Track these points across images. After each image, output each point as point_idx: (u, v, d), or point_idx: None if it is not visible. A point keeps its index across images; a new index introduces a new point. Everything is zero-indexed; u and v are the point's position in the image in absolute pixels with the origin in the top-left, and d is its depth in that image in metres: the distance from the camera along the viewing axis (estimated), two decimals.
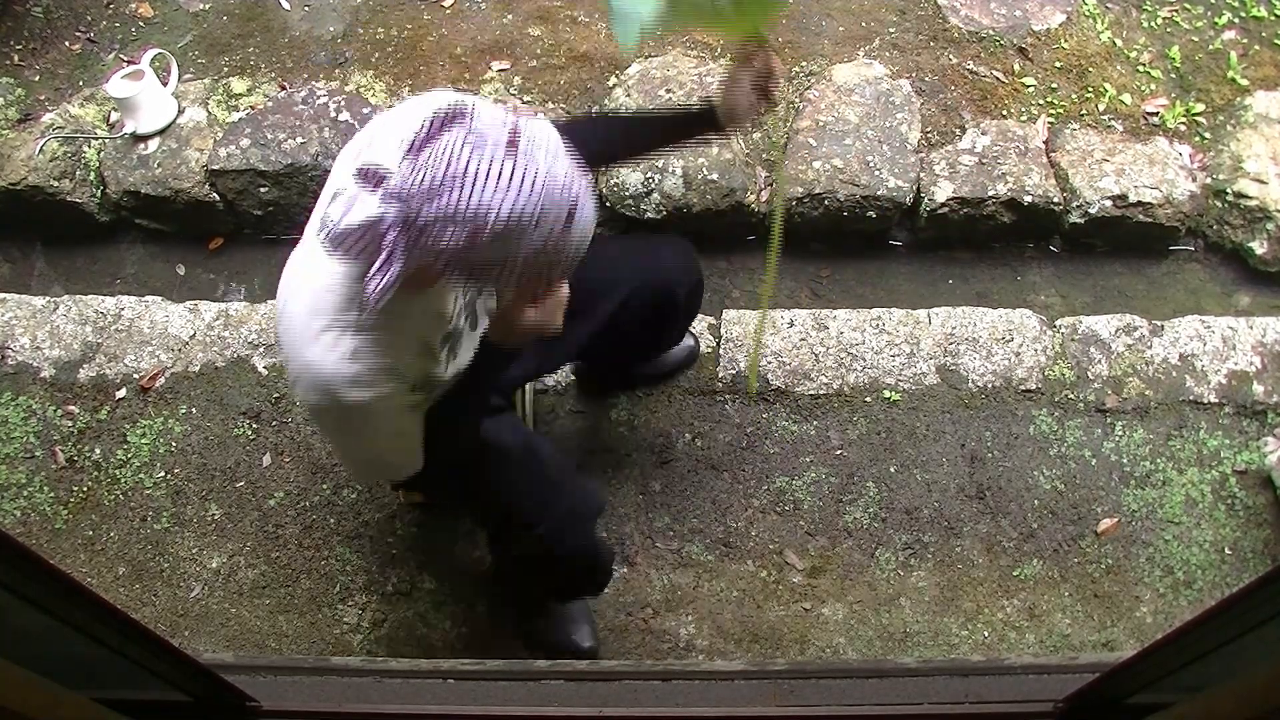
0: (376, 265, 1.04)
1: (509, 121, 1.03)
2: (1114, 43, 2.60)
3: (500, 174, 1.00)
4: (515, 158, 1.01)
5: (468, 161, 1.00)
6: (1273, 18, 2.63)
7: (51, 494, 2.04)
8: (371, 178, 1.06)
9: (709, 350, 2.12)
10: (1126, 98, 2.50)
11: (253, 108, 2.54)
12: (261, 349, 2.17)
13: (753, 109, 1.45)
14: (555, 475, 1.53)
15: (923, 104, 2.46)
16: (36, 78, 2.72)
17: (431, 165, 1.01)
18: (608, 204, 2.34)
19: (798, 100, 2.45)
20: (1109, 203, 2.31)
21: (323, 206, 1.25)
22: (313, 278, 1.18)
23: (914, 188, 2.35)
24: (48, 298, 2.27)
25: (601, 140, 1.50)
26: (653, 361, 2.06)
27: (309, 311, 1.17)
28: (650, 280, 1.68)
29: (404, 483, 1.49)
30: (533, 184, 1.01)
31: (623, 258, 1.70)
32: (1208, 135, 2.44)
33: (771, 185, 2.35)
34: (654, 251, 1.73)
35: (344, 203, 1.09)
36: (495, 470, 1.47)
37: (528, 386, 2.03)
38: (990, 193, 2.32)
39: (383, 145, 1.22)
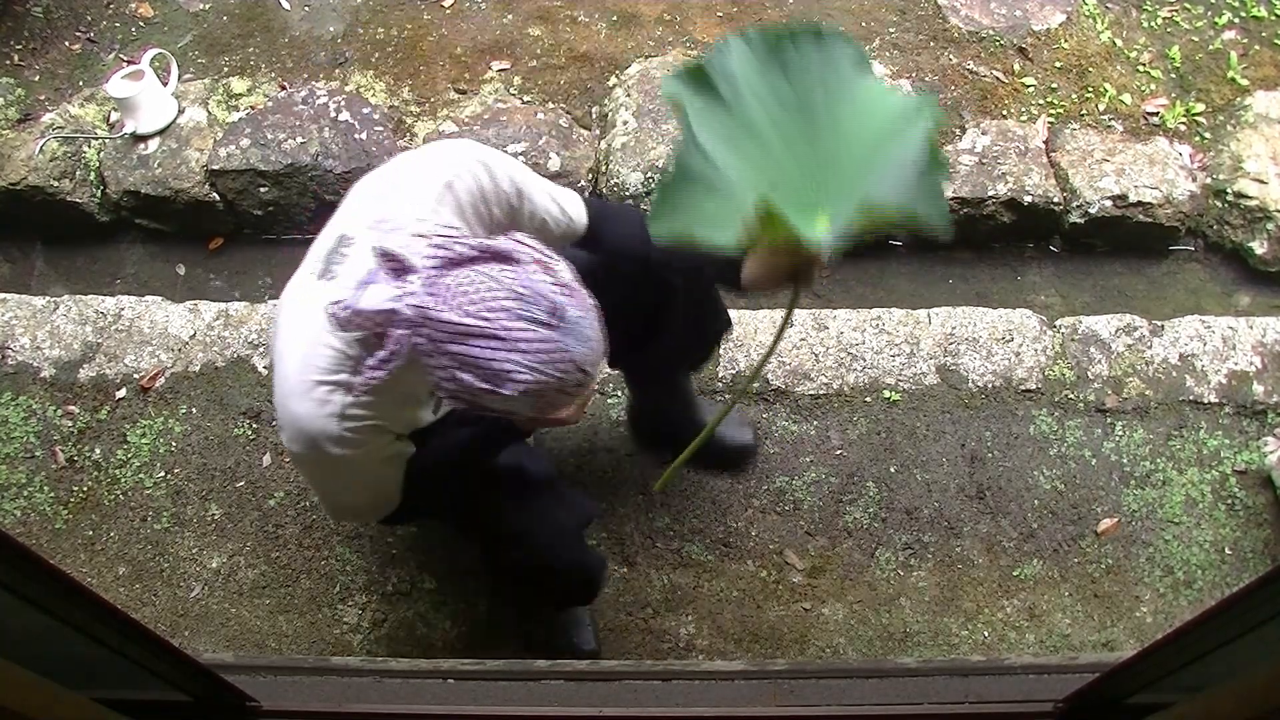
0: (378, 356, 1.03)
1: (556, 294, 1.03)
2: (1114, 43, 2.60)
3: (533, 348, 1.01)
4: (554, 335, 1.02)
5: (507, 323, 1.00)
6: (1273, 18, 2.64)
7: (51, 494, 2.04)
8: (392, 263, 1.03)
9: None
10: (1126, 98, 2.50)
11: (253, 108, 2.54)
12: (261, 349, 2.16)
13: (779, 288, 1.33)
14: (545, 494, 1.51)
15: None
16: (36, 78, 2.72)
17: (466, 302, 0.99)
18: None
19: None
20: (1109, 203, 2.31)
21: (325, 245, 1.19)
22: (309, 326, 1.13)
23: None
24: (48, 298, 2.27)
25: (637, 252, 1.43)
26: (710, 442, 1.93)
27: (302, 363, 1.13)
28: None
29: (385, 518, 1.44)
30: (559, 363, 1.03)
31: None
32: (1208, 135, 2.44)
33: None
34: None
35: (358, 279, 1.06)
36: (484, 492, 1.45)
37: None
38: (990, 193, 2.32)
39: (405, 211, 1.15)
